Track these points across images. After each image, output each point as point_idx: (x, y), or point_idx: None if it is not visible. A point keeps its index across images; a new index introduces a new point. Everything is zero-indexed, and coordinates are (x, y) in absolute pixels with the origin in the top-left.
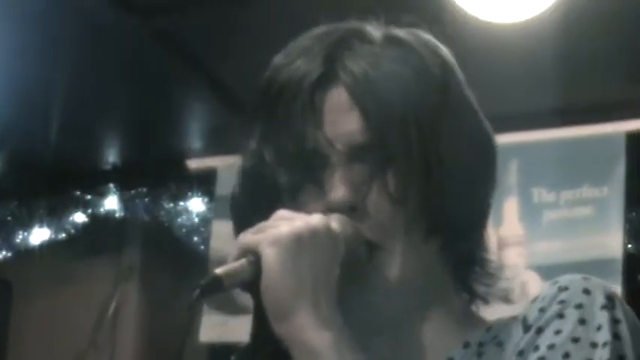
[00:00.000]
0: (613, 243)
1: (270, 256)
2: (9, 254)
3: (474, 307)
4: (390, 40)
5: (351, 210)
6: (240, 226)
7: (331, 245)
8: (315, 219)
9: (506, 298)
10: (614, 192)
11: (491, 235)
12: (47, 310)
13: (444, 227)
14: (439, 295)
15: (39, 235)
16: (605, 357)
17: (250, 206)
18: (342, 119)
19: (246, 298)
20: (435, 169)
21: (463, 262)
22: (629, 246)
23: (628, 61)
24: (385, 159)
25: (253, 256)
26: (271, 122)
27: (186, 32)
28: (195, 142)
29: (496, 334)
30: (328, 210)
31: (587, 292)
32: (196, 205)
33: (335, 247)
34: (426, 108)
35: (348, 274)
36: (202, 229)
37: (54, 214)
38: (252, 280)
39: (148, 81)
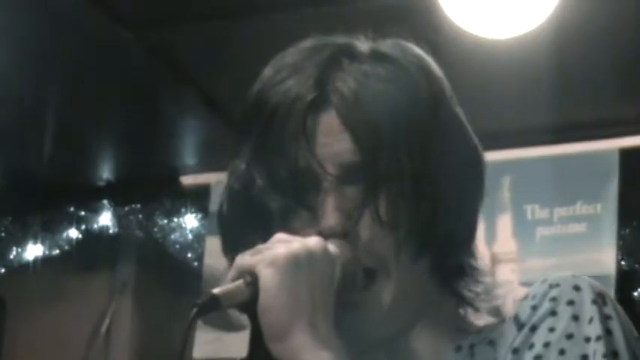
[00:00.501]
0: (606, 260)
1: (267, 277)
2: (2, 270)
3: (462, 311)
4: (378, 57)
5: (344, 236)
6: (229, 244)
7: (328, 267)
8: (313, 241)
9: (498, 313)
10: (607, 209)
11: (485, 251)
12: (41, 326)
13: (434, 246)
14: (429, 304)
15: (33, 251)
16: (600, 351)
17: (239, 226)
18: (333, 140)
19: (240, 315)
20: (426, 189)
21: (452, 271)
22: (623, 262)
23: (621, 78)
24: (376, 182)
25: (251, 277)
26: (262, 145)
27: (180, 48)
28: (189, 158)
29: (487, 334)
30: (321, 236)
31: (577, 288)
32: (190, 221)
33: (332, 268)
34: (416, 127)
35: (343, 299)
36: (196, 245)
37: (48, 230)
38: (249, 301)
39: (142, 97)
